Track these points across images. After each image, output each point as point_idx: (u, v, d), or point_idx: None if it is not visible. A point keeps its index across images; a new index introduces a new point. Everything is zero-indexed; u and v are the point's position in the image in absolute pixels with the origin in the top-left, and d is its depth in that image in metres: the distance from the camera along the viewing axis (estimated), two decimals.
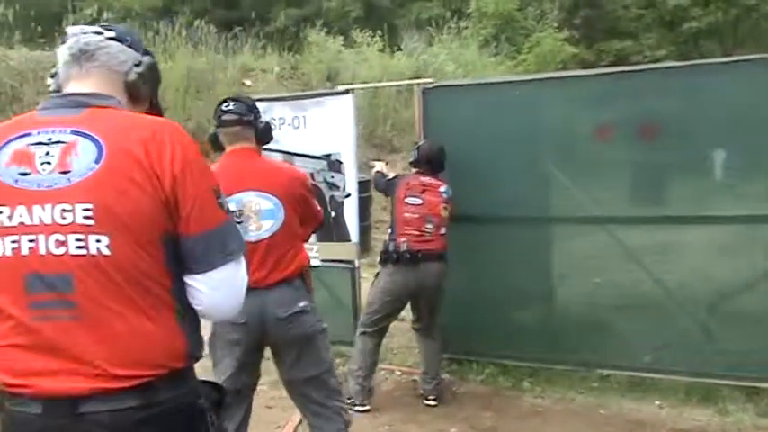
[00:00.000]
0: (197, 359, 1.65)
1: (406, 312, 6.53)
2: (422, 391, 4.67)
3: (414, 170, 4.74)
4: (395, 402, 4.68)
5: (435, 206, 4.52)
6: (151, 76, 1.77)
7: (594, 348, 4.79)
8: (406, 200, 4.55)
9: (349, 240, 5.15)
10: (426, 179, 4.60)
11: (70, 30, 1.73)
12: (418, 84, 5.04)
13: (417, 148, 4.75)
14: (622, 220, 4.74)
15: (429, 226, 4.49)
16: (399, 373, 5.14)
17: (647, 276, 4.68)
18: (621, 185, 4.94)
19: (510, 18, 18.89)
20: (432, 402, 4.58)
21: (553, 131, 4.88)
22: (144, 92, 1.76)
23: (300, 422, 4.30)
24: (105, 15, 13.42)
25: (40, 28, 12.67)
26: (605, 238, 4.77)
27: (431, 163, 4.65)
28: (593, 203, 4.81)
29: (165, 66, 12.36)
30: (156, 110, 1.81)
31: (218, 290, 1.63)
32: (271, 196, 3.04)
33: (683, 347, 4.56)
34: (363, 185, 6.03)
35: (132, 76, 1.71)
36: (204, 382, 1.72)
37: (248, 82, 12.67)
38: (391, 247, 4.50)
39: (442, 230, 4.54)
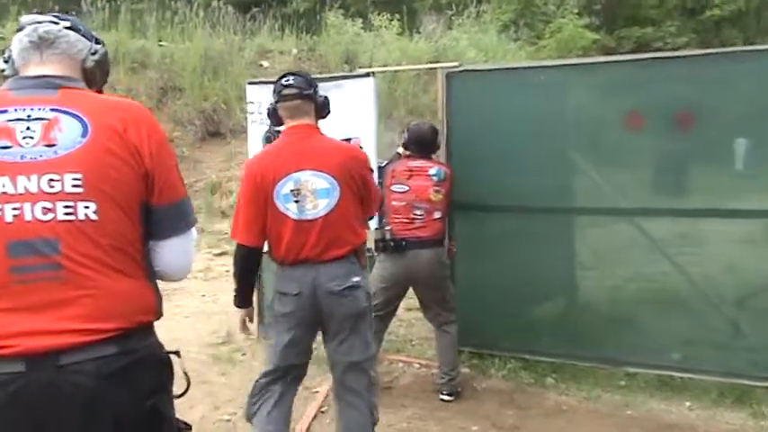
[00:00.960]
0: (159, 316, 1.84)
1: None
2: (437, 386, 4.53)
3: (405, 153, 4.58)
4: (413, 397, 4.53)
5: (423, 191, 4.35)
6: (104, 63, 1.95)
7: (619, 344, 4.62)
8: (392, 188, 4.40)
9: (368, 227, 4.99)
10: (415, 163, 4.42)
11: (24, 19, 1.87)
12: (442, 68, 4.85)
13: (407, 130, 4.60)
14: (648, 211, 4.56)
15: (418, 212, 4.33)
16: (418, 366, 4.98)
17: (673, 270, 4.51)
18: (647, 175, 4.75)
19: (529, 3, 18.60)
20: (446, 398, 4.44)
21: (580, 119, 4.71)
22: (97, 77, 1.93)
23: (315, 417, 4.19)
24: None
25: (57, 7, 12.53)
26: (630, 229, 4.60)
27: (420, 144, 4.48)
28: (619, 194, 4.65)
29: (183, 46, 12.25)
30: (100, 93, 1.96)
31: (178, 254, 1.87)
32: (326, 175, 3.07)
33: (712, 345, 4.39)
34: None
35: (90, 63, 1.89)
36: None
37: (266, 63, 12.50)
38: (378, 236, 4.42)
39: (436, 215, 4.36)
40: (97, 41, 1.94)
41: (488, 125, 4.71)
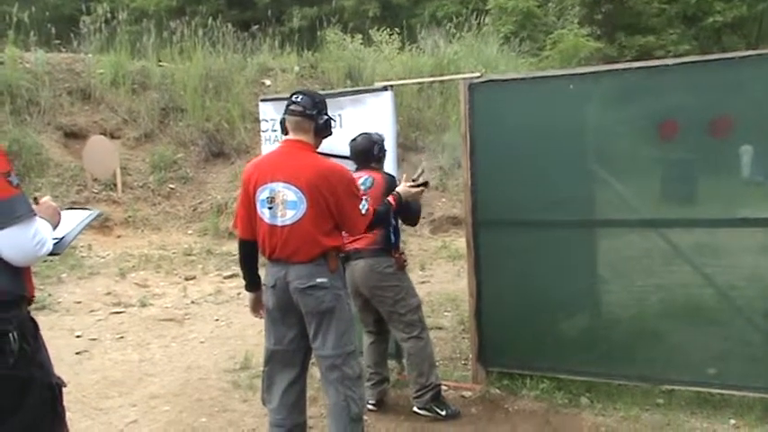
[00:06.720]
0: (22, 297, 2.34)
1: (448, 321, 6.28)
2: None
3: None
4: (442, 420, 4.33)
5: None
6: None
7: (652, 360, 4.43)
8: None
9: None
10: (354, 175, 4.16)
11: None
12: (464, 78, 4.69)
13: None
14: (673, 222, 4.45)
15: None
16: (446, 388, 4.76)
17: (702, 281, 4.35)
18: (673, 185, 4.59)
19: (530, 14, 18.54)
20: (419, 411, 4.39)
21: (604, 128, 4.56)
22: None
23: None
24: (119, 16, 13.16)
25: (54, 30, 12.43)
26: (657, 240, 4.44)
27: (356, 157, 4.43)
28: (646, 205, 4.54)
29: (183, 66, 12.12)
30: None
31: (9, 244, 2.25)
32: (296, 189, 3.33)
33: (748, 358, 4.21)
34: None
35: None
36: (31, 318, 2.39)
37: (268, 82, 12.39)
38: None
39: None
40: None
41: (513, 137, 4.57)
